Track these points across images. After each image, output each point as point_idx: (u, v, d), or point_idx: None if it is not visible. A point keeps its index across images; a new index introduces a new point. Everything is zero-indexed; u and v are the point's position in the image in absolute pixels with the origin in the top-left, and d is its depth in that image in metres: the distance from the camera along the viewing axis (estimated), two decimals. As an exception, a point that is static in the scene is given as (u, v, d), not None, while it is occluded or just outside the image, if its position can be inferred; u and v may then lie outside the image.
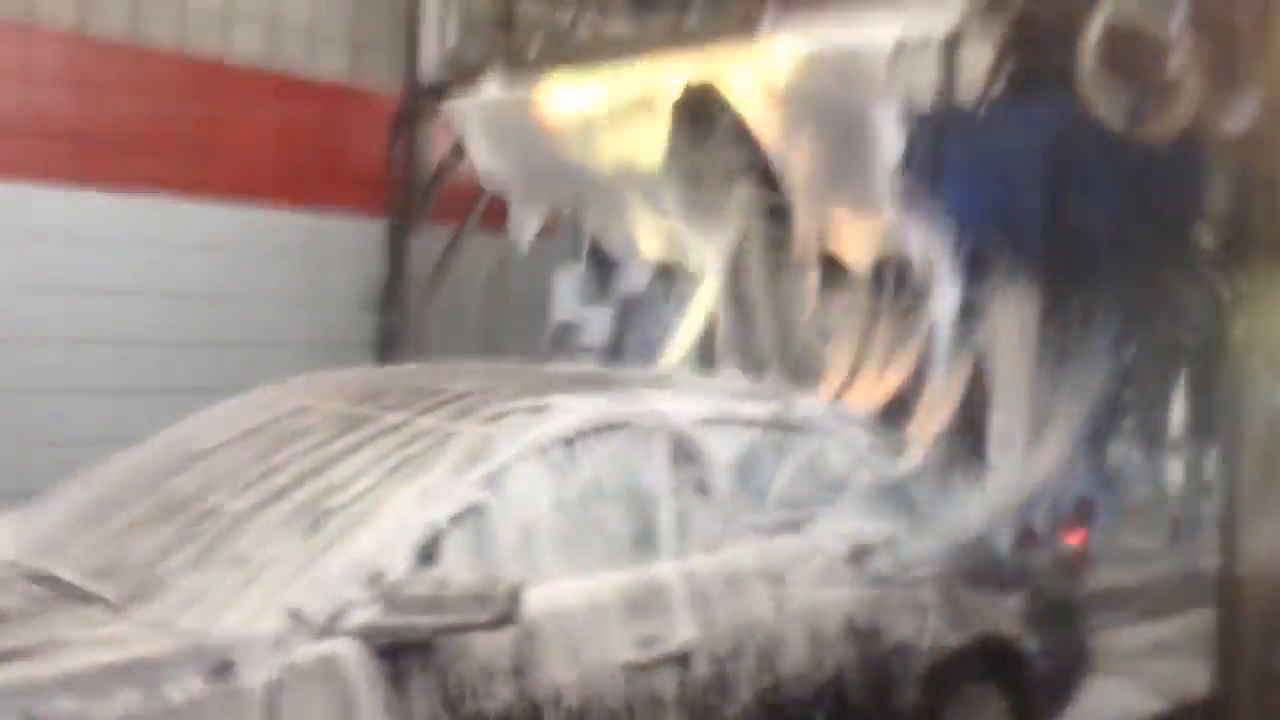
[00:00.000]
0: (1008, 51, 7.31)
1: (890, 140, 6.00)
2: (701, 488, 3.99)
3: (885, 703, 4.24)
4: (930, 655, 4.35)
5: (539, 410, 3.80)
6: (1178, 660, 6.70)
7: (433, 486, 3.43)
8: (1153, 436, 8.01)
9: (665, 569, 3.80)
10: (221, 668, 2.91)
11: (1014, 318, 6.45)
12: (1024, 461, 6.03)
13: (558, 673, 3.42)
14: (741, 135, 6.84)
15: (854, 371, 6.62)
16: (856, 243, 6.35)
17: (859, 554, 4.30)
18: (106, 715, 2.73)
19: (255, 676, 2.94)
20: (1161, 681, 6.49)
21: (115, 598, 3.19)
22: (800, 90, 6.28)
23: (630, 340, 8.46)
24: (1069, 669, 5.03)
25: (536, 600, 3.37)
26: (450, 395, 3.97)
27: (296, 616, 3.06)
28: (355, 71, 8.57)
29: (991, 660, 4.62)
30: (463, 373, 4.58)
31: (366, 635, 3.10)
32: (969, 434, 6.03)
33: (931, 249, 6.14)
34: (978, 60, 7.06)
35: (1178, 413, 7.76)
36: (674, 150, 6.88)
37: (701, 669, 3.73)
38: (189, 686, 2.85)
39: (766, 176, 6.92)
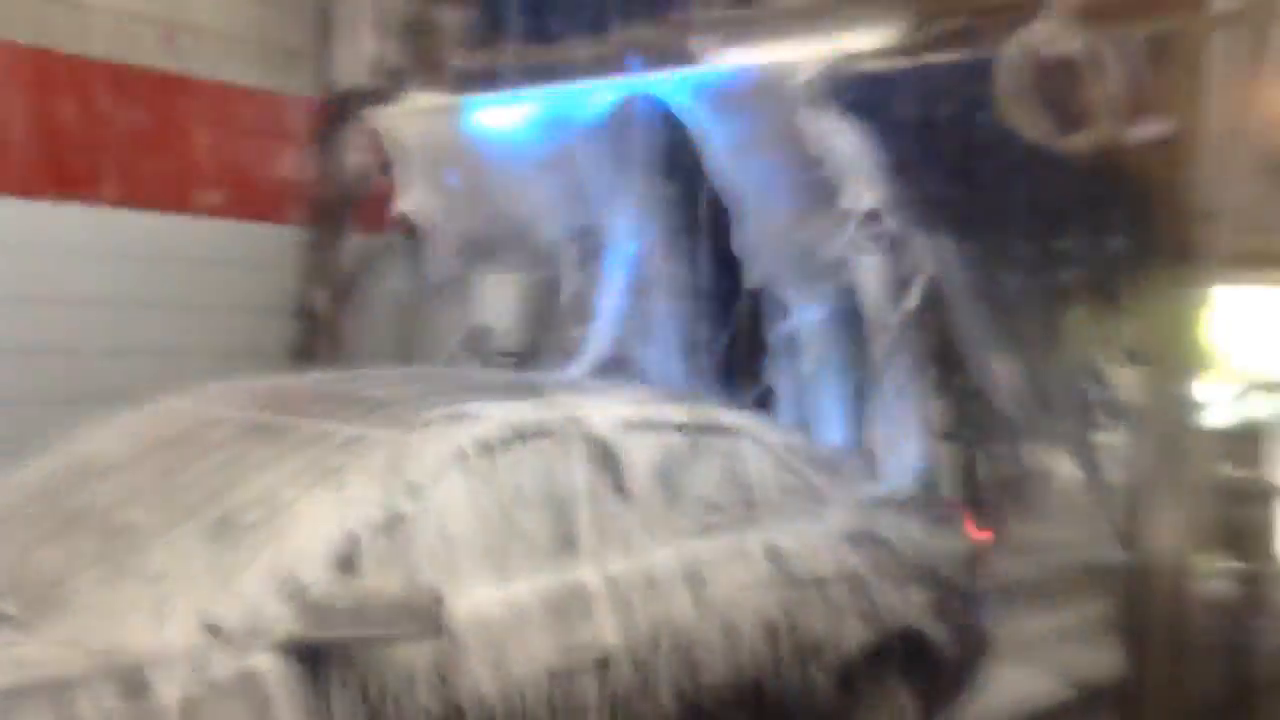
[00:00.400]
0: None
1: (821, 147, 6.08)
2: (621, 491, 3.96)
3: (802, 699, 4.25)
4: (842, 650, 4.39)
5: (459, 417, 3.73)
6: (1082, 647, 6.83)
7: (353, 496, 3.34)
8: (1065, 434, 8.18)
9: (587, 573, 3.76)
10: (136, 686, 2.80)
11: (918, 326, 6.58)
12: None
13: (481, 680, 3.36)
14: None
15: None
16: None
17: (776, 554, 4.30)
18: (17, 737, 2.62)
19: (171, 693, 2.83)
20: (1067, 668, 6.58)
21: (22, 615, 3.06)
22: (726, 105, 6.33)
23: (545, 345, 8.43)
24: (972, 658, 5.10)
25: (459, 607, 3.31)
26: (369, 403, 3.89)
27: (213, 631, 2.95)
28: (272, 78, 8.41)
29: (902, 653, 4.65)
30: (380, 379, 4.50)
31: (287, 648, 3.01)
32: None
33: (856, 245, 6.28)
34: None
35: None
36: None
37: (623, 672, 3.70)
38: (103, 706, 2.74)
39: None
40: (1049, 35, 5.60)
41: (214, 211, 8.15)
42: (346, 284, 7.99)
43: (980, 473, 7.34)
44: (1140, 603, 5.45)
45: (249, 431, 3.78)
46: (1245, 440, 6.97)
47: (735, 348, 7.20)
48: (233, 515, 3.29)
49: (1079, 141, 5.62)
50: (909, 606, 4.68)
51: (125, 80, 7.80)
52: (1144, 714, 5.34)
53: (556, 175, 7.01)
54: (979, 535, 5.27)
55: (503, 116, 7.03)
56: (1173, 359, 5.61)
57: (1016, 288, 7.22)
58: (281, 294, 8.19)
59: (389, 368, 5.24)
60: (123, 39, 7.79)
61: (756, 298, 6.83)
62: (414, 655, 3.21)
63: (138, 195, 7.84)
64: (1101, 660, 6.05)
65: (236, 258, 8.20)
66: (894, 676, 4.66)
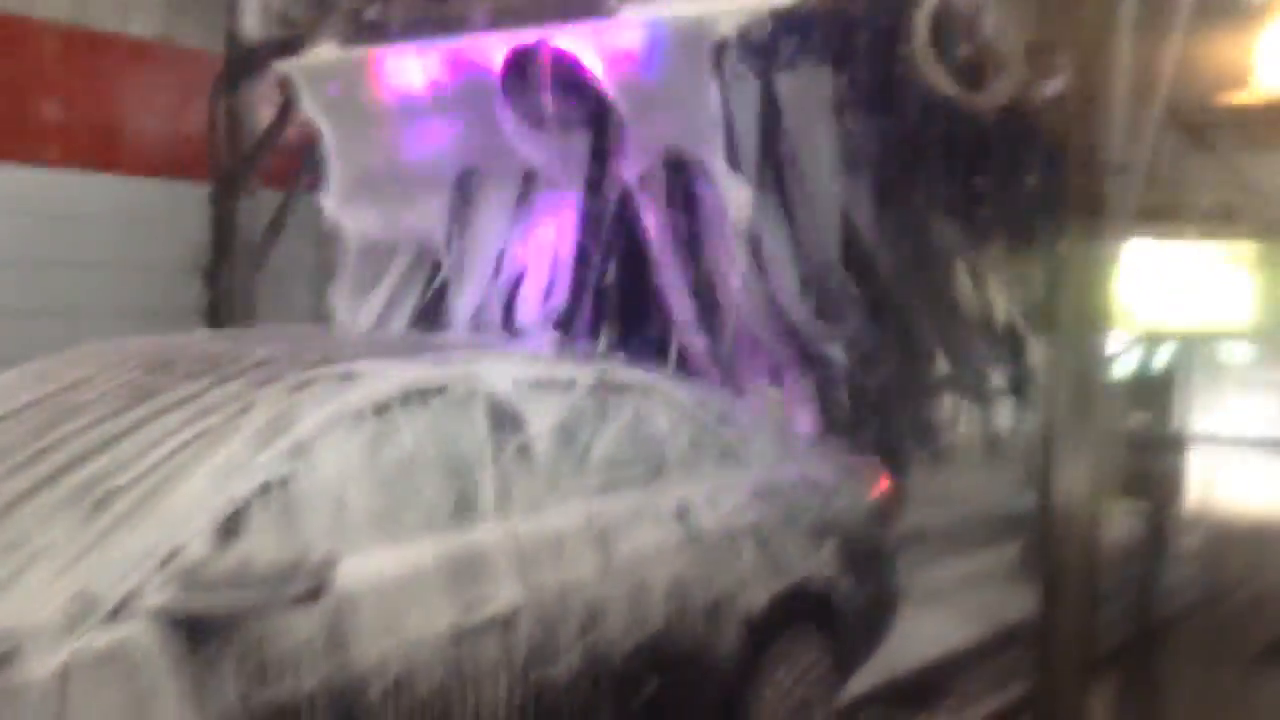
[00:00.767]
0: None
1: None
2: (523, 451, 3.80)
3: (708, 654, 4.18)
4: (750, 605, 4.30)
5: (348, 377, 3.54)
6: (991, 590, 6.89)
7: (233, 458, 3.14)
8: (971, 387, 8.23)
9: (486, 533, 3.61)
10: (2, 658, 2.61)
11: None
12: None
13: (378, 644, 3.21)
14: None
15: None
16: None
17: (684, 512, 4.20)
18: None
19: (41, 666, 2.64)
20: (978, 611, 6.63)
21: None
22: (642, 58, 6.20)
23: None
24: (881, 608, 5.08)
25: (351, 572, 3.15)
26: (251, 362, 3.66)
27: (83, 600, 2.76)
28: (177, 30, 8.10)
29: (807, 605, 4.59)
30: (265, 338, 4.26)
31: (164, 617, 2.83)
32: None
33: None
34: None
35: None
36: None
37: (526, 631, 3.58)
38: (-35, 680, 2.55)
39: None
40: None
41: (120, 168, 7.86)
42: (252, 242, 7.73)
43: (889, 422, 7.31)
44: (1052, 547, 5.48)
45: (122, 391, 3.55)
46: (1153, 389, 7.05)
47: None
48: (104, 479, 3.08)
49: (986, 98, 5.61)
50: (817, 560, 4.62)
51: (25, 33, 7.46)
52: (1055, 654, 5.37)
53: (460, 122, 6.83)
54: (887, 485, 5.19)
55: (408, 67, 6.81)
56: (1082, 310, 5.60)
57: (931, 229, 7.18)
58: (192, 253, 7.91)
59: (281, 326, 5.02)
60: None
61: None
62: (304, 622, 3.05)
63: (39, 151, 7.52)
64: (1011, 601, 6.09)
65: (144, 215, 7.94)
66: (804, 630, 4.59)
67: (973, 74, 5.74)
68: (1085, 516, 5.46)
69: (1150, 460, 6.66)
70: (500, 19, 6.45)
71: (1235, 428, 9.42)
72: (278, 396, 3.39)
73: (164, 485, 3.05)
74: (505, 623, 3.53)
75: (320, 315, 8.44)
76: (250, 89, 7.63)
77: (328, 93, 7.08)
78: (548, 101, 6.73)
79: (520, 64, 6.48)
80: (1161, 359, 7.11)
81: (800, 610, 4.54)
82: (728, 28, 5.83)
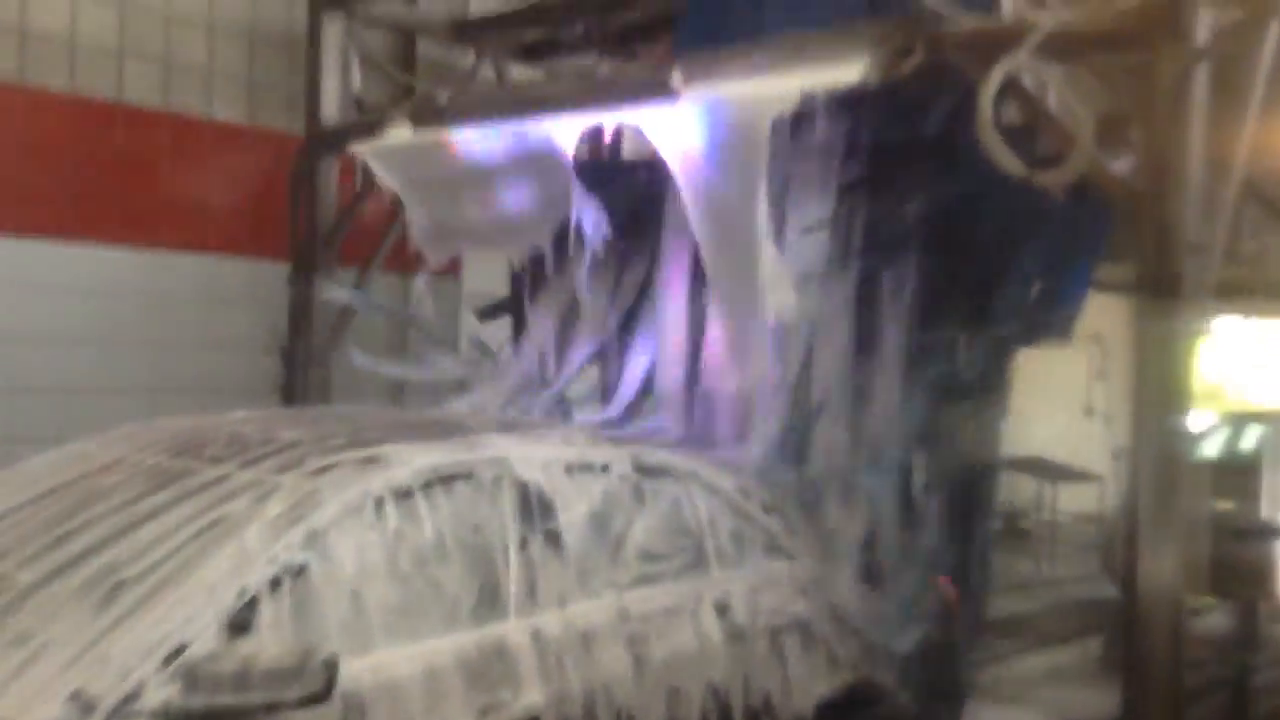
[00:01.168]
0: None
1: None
2: (552, 541, 3.63)
3: None
4: (796, 710, 4.06)
5: (370, 461, 3.41)
6: (1076, 686, 6.57)
7: (247, 548, 3.02)
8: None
9: (510, 629, 3.43)
10: (1, 759, 2.52)
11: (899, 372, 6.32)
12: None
13: None
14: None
15: None
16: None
17: (724, 608, 3.97)
18: None
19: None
20: (1059, 709, 6.30)
21: None
22: (705, 139, 6.15)
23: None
24: (946, 711, 4.80)
25: (364, 671, 3.02)
26: (278, 445, 3.56)
27: (82, 700, 2.65)
28: (255, 114, 8.24)
29: (860, 710, 4.32)
30: (299, 419, 4.17)
31: (164, 718, 2.71)
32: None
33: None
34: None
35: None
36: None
37: None
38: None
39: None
40: (1028, 66, 5.39)
41: (203, 248, 7.97)
42: (328, 321, 7.76)
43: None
44: (1134, 642, 5.18)
45: (146, 476, 3.47)
46: (1241, 474, 6.70)
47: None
48: (117, 569, 2.99)
49: (1054, 176, 5.40)
50: (869, 657, 4.36)
51: (114, 118, 7.64)
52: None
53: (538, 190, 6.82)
54: (944, 579, 4.92)
55: (486, 147, 6.83)
56: (1162, 392, 5.34)
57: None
58: (270, 331, 7.97)
59: (325, 407, 4.92)
60: (109, 76, 7.64)
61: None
62: None
63: (125, 232, 7.66)
64: (1097, 698, 5.79)
65: (225, 294, 8.02)
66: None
67: (1039, 153, 5.54)
68: (1170, 609, 5.16)
69: (1240, 550, 6.28)
70: (568, 103, 6.43)
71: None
72: (297, 483, 3.28)
73: (174, 577, 2.95)
74: None
75: (399, 394, 8.47)
76: (328, 171, 7.72)
77: (403, 173, 7.14)
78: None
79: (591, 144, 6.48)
80: (1249, 442, 6.75)
81: (852, 715, 4.28)
82: (784, 110, 5.73)
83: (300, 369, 7.69)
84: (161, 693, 2.73)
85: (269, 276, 7.94)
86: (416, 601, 3.29)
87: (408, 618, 3.25)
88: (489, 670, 3.32)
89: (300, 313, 7.71)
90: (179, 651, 2.81)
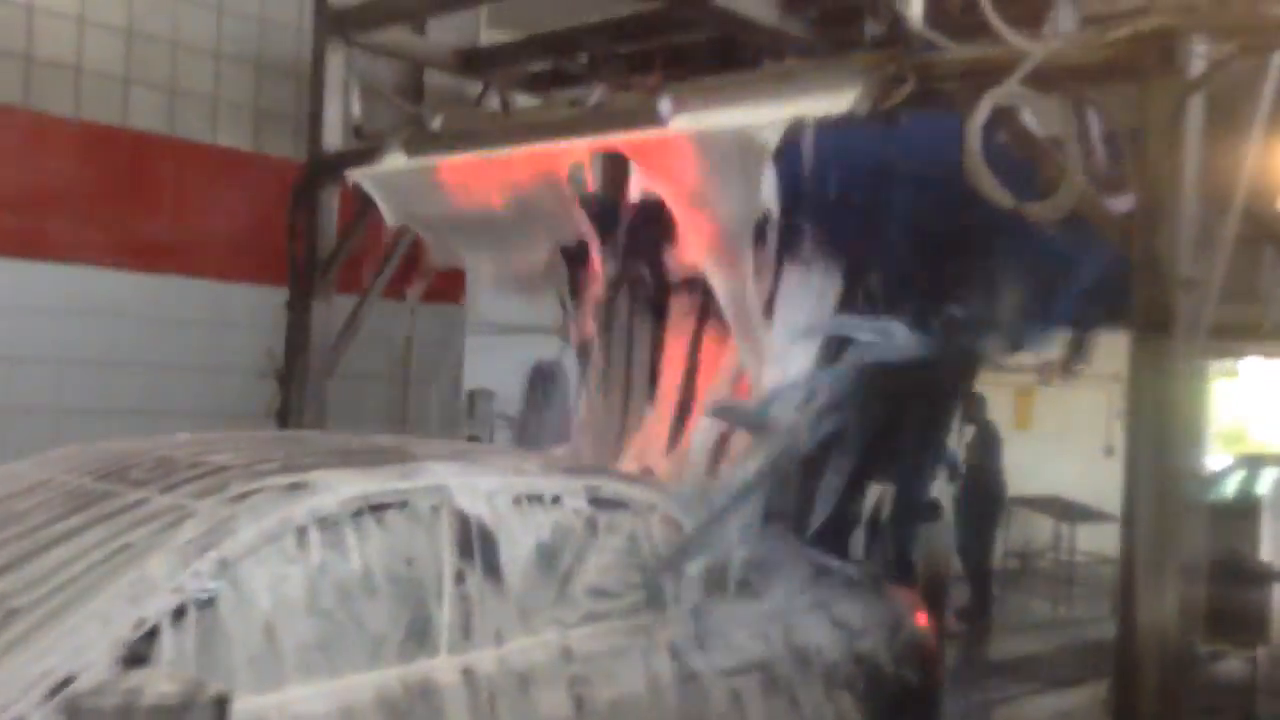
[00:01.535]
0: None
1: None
2: (492, 574, 3.45)
3: None
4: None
5: (295, 488, 3.25)
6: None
7: (149, 576, 2.88)
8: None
9: (440, 667, 3.26)
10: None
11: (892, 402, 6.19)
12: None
13: None
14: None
15: None
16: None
17: (679, 648, 3.78)
18: None
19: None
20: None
21: None
22: (697, 167, 6.07)
23: (544, 408, 8.13)
24: None
25: (271, 708, 2.87)
26: (205, 469, 3.40)
27: None
28: (260, 141, 8.23)
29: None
30: (238, 443, 3.98)
31: None
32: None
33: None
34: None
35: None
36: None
37: None
38: None
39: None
40: (1019, 97, 5.26)
41: (203, 272, 7.95)
42: (325, 347, 7.71)
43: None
44: (1130, 687, 4.98)
45: (65, 499, 3.32)
46: (1240, 517, 6.48)
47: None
48: (7, 596, 2.84)
49: (1045, 209, 5.26)
50: (835, 706, 4.13)
51: (119, 143, 7.65)
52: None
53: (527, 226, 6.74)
54: (924, 620, 4.70)
55: (477, 174, 6.78)
56: (1157, 431, 5.15)
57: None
58: (268, 357, 7.93)
59: (275, 431, 4.78)
60: (114, 101, 7.65)
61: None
62: None
63: (126, 256, 7.66)
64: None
65: (222, 319, 7.99)
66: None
67: (1031, 185, 5.39)
68: (1163, 655, 4.96)
69: (1239, 594, 6.06)
70: (559, 129, 6.36)
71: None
72: (214, 509, 3.12)
73: (70, 605, 2.80)
74: None
75: (401, 420, 8.40)
76: (327, 198, 7.68)
77: (397, 199, 7.09)
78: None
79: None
80: (1249, 484, 6.53)
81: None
82: (773, 137, 5.63)
83: (296, 393, 7.64)
84: (39, 727, 2.57)
85: (268, 301, 7.91)
86: (338, 636, 3.13)
87: (327, 653, 3.09)
88: (413, 710, 3.16)
89: (297, 337, 7.66)
90: (66, 683, 2.67)
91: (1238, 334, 5.88)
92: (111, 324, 7.59)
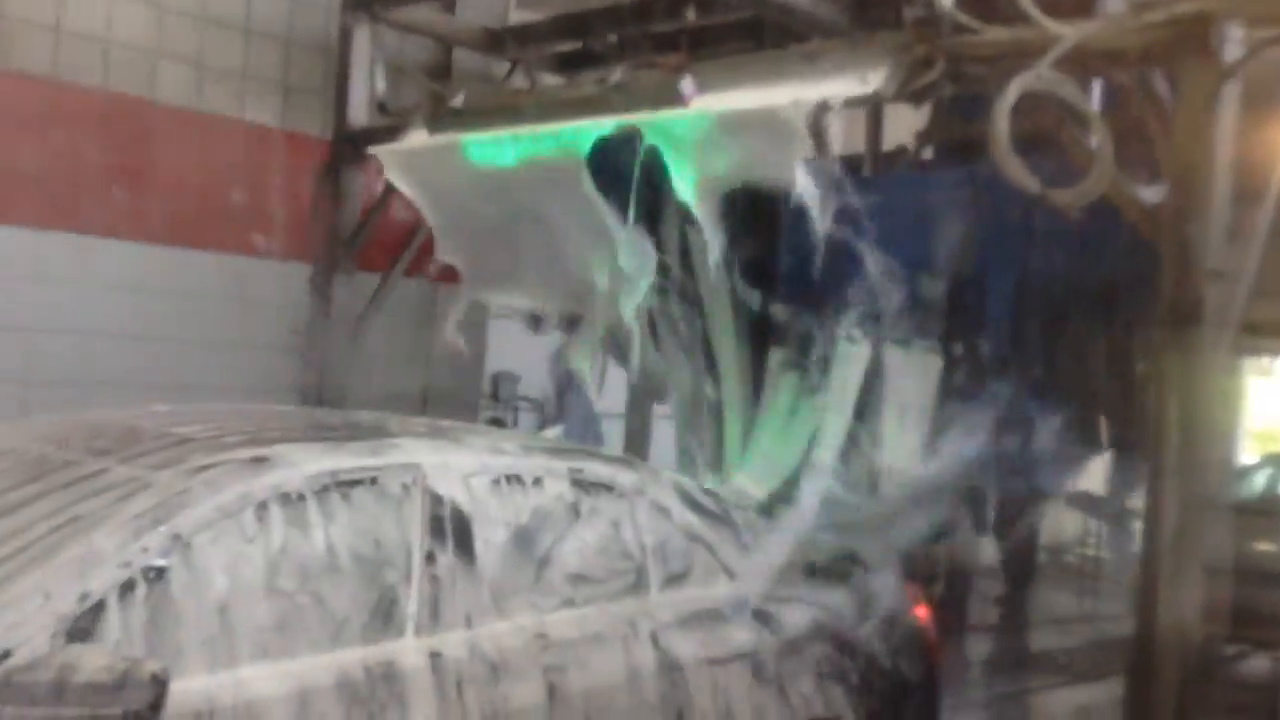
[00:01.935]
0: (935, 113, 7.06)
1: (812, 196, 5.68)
2: (465, 555, 3.31)
3: None
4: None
5: (256, 461, 3.11)
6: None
7: (95, 550, 2.74)
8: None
9: (405, 649, 3.12)
10: None
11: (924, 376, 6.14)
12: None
13: None
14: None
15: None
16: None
17: (658, 634, 3.63)
18: None
19: None
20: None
21: None
22: (721, 148, 5.97)
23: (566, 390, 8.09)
24: None
25: (223, 688, 2.75)
26: (169, 441, 3.27)
27: None
28: (287, 117, 8.18)
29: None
30: (209, 415, 3.81)
31: None
32: None
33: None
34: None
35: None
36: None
37: None
38: None
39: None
40: (1050, 81, 5.11)
41: (227, 247, 7.92)
42: (350, 323, 7.67)
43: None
44: (1147, 681, 4.86)
45: (25, 468, 3.19)
46: (1267, 514, 6.34)
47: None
48: None
49: (1073, 196, 5.11)
50: (827, 694, 3.95)
51: (145, 115, 7.62)
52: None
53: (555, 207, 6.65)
54: (924, 613, 4.51)
55: (501, 153, 6.70)
56: (1184, 427, 5.02)
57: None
58: (292, 333, 7.91)
59: (256, 405, 4.61)
60: (141, 74, 7.63)
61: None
62: None
63: (153, 230, 7.64)
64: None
65: (247, 294, 7.95)
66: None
67: (1059, 174, 5.25)
68: (1182, 655, 4.85)
69: (1264, 593, 5.91)
70: (578, 108, 6.27)
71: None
72: (170, 481, 2.98)
73: (12, 577, 2.68)
74: None
75: (422, 399, 8.36)
76: (352, 175, 7.64)
77: (419, 178, 7.02)
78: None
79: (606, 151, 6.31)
80: (1275, 482, 6.36)
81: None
82: (798, 117, 5.51)
83: (319, 370, 7.61)
84: (-33, 701, 2.48)
85: (293, 277, 7.88)
86: (296, 615, 3.00)
87: (284, 633, 2.96)
88: (374, 693, 3.03)
89: (320, 314, 7.64)
90: (2, 658, 2.54)
91: (1273, 331, 5.73)
92: (136, 298, 7.56)
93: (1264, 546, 6.35)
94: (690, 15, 7.61)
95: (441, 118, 6.83)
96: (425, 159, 6.97)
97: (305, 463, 3.17)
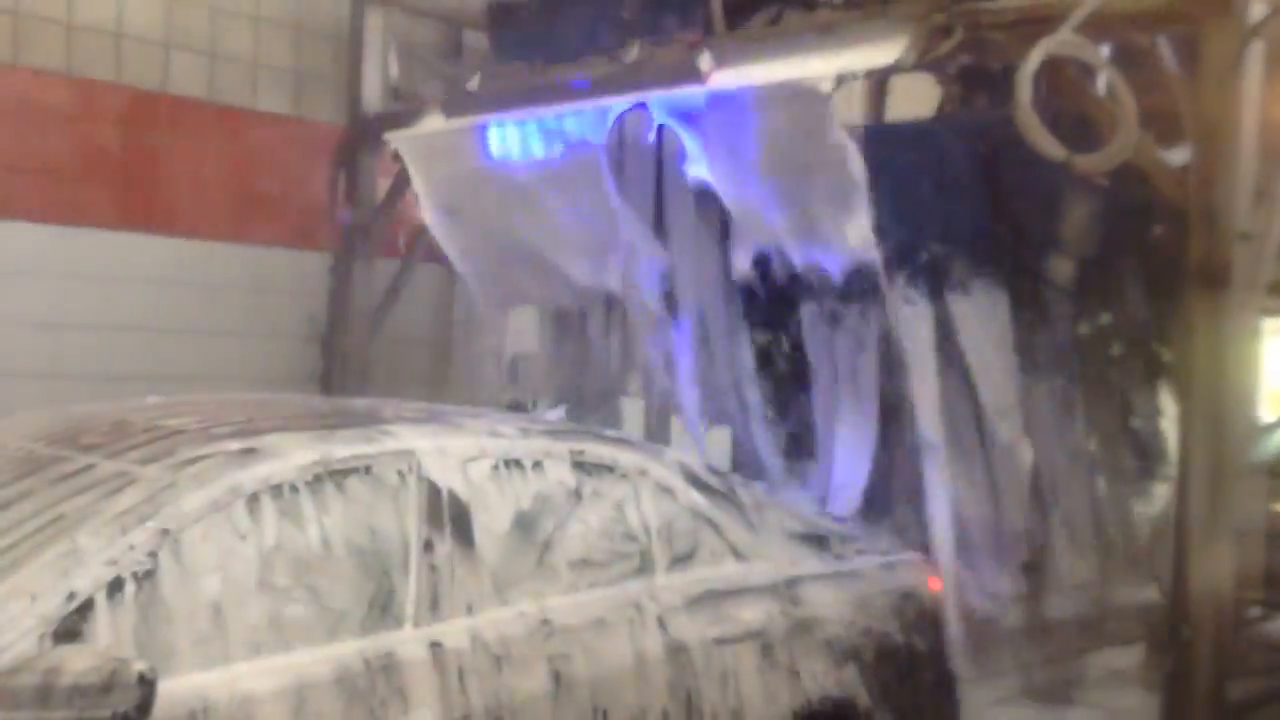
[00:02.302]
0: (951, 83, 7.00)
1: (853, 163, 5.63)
2: (464, 543, 3.21)
3: None
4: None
5: (246, 453, 3.00)
6: (1130, 689, 6.22)
7: (82, 547, 2.65)
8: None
9: (404, 641, 3.03)
10: None
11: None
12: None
13: None
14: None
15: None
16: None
17: (664, 617, 3.53)
18: None
19: None
20: (1112, 711, 5.99)
21: None
22: (742, 122, 5.94)
23: (582, 375, 8.06)
24: None
25: (217, 686, 2.68)
26: (158, 434, 3.15)
27: None
28: (300, 105, 8.14)
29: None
30: (200, 406, 3.67)
31: None
32: None
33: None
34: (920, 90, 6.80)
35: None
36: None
37: None
38: None
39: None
40: (1073, 46, 5.06)
41: (246, 238, 7.90)
42: (368, 311, 7.65)
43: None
44: (1177, 650, 4.86)
45: (10, 465, 3.09)
46: (1281, 475, 6.31)
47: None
48: None
49: (1098, 160, 5.07)
50: (839, 673, 3.83)
51: (160, 107, 7.60)
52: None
53: (571, 195, 6.61)
54: (937, 586, 4.38)
55: (516, 137, 6.67)
56: (1211, 387, 4.99)
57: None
58: (311, 321, 7.89)
59: (255, 395, 4.45)
60: (154, 66, 7.59)
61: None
62: None
63: (171, 222, 7.62)
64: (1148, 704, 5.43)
65: (265, 284, 7.93)
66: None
67: (1084, 136, 5.21)
68: (1216, 617, 4.84)
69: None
70: (596, 88, 6.23)
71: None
72: (157, 475, 2.88)
73: None
74: None
75: (441, 385, 8.34)
76: (369, 161, 7.61)
77: (432, 163, 6.99)
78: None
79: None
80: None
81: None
82: (825, 88, 5.48)
83: (339, 357, 7.60)
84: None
85: (311, 266, 7.85)
86: (292, 610, 2.90)
87: (280, 628, 2.87)
88: (375, 686, 2.94)
89: (340, 302, 7.62)
90: None
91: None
92: (155, 290, 7.54)
93: None
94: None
95: (457, 102, 6.79)
96: (437, 145, 6.94)
97: (296, 453, 3.07)
